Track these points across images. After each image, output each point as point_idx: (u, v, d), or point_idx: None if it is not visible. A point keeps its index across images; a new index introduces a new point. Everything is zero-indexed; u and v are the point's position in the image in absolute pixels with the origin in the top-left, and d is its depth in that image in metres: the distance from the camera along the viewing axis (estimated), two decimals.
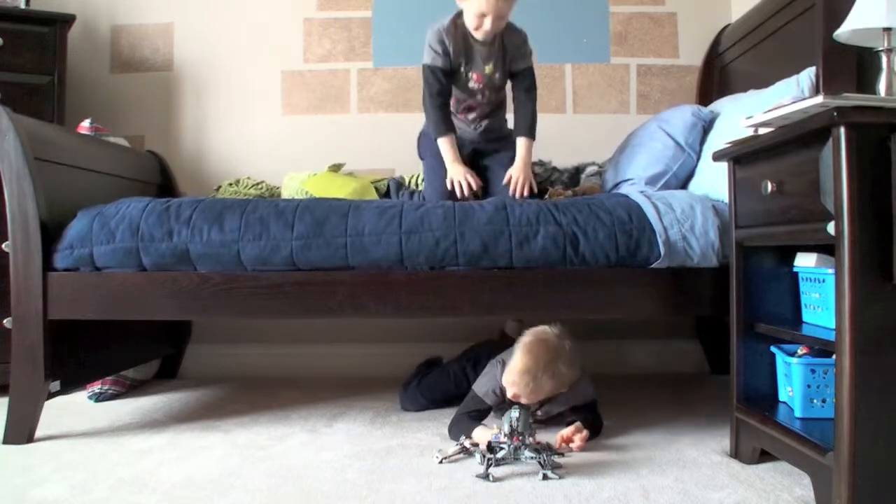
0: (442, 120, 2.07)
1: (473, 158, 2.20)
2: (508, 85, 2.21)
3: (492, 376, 1.78)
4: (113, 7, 2.83)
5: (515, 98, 2.17)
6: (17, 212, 1.73)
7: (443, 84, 2.06)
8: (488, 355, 1.98)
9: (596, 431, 1.76)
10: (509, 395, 1.70)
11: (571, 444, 1.65)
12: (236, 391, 2.37)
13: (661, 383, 2.44)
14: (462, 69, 2.09)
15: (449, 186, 2.06)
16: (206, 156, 2.82)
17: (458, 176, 2.04)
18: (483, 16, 1.96)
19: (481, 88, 2.12)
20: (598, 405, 1.81)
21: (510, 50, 2.10)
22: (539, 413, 1.81)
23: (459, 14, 2.06)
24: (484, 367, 1.85)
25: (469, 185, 2.03)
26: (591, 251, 1.72)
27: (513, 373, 1.67)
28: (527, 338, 1.72)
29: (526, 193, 2.03)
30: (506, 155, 2.15)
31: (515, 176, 2.04)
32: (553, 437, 1.67)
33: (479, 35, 2.02)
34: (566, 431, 1.67)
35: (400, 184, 2.40)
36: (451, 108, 2.15)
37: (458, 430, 1.72)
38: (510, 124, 2.23)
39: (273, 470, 1.53)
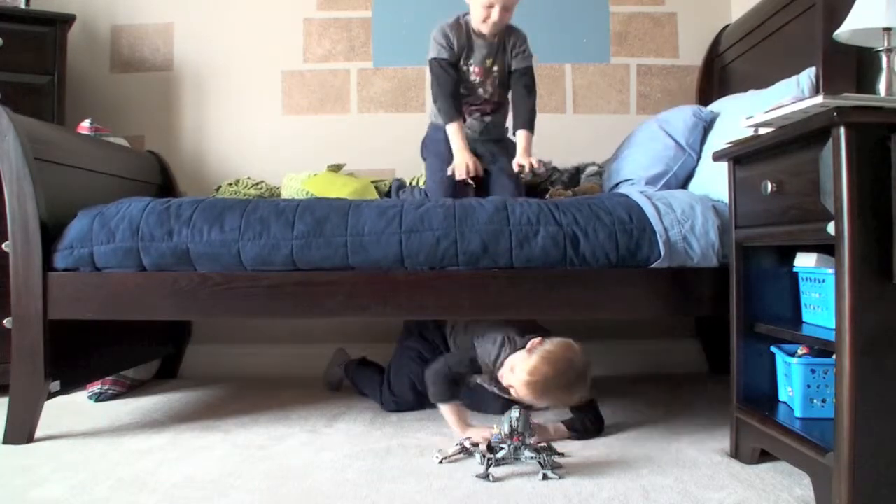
0: (453, 107, 2.12)
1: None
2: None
3: (500, 353, 1.74)
4: (113, 7, 2.83)
5: (514, 95, 2.20)
6: (17, 212, 1.73)
7: (450, 74, 2.12)
8: (432, 350, 2.01)
9: (597, 431, 1.77)
10: (505, 382, 1.70)
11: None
12: (236, 391, 2.37)
13: (661, 383, 2.44)
14: (463, 63, 2.15)
15: (449, 173, 2.08)
16: (206, 156, 2.82)
17: (469, 160, 2.06)
18: (491, 6, 2.02)
19: (482, 82, 2.18)
20: (597, 404, 1.80)
21: (510, 48, 2.16)
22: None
23: (466, 13, 2.13)
24: (432, 365, 1.79)
25: (474, 169, 2.06)
26: (591, 251, 1.72)
27: (525, 374, 1.63)
28: (551, 347, 1.66)
29: (538, 167, 2.05)
30: (505, 160, 2.17)
31: (525, 161, 2.06)
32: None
33: (485, 28, 2.08)
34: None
35: (402, 185, 2.41)
36: None
37: (439, 389, 1.74)
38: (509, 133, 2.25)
39: (273, 470, 1.53)
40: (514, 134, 2.19)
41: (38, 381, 1.72)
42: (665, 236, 1.73)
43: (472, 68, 2.16)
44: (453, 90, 2.13)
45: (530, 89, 2.18)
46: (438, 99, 2.14)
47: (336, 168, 2.48)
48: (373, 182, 2.41)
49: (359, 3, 2.83)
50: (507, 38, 2.16)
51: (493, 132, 2.26)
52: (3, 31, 2.33)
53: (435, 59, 2.12)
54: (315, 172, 2.40)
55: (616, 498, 1.35)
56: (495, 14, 2.03)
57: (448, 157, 2.13)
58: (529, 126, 2.15)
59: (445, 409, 1.74)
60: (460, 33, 2.12)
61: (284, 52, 2.83)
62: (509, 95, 2.24)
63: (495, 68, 2.17)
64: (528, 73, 2.18)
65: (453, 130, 2.10)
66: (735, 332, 1.57)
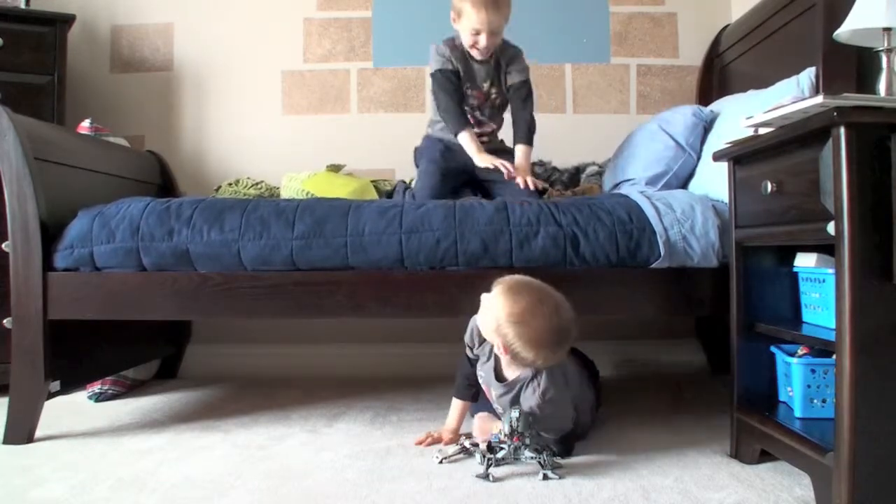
0: (461, 116, 2.12)
1: (474, 179, 2.19)
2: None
3: (470, 324, 1.68)
4: (113, 7, 2.83)
5: (513, 109, 2.20)
6: (17, 212, 1.73)
7: (455, 85, 2.12)
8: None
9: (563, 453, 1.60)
10: (491, 339, 1.54)
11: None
12: (236, 391, 2.37)
13: (661, 383, 2.44)
14: (463, 85, 2.15)
15: (509, 176, 2.05)
16: (206, 156, 2.82)
17: (488, 162, 2.05)
18: (477, 33, 2.05)
19: (480, 106, 2.19)
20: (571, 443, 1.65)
21: (505, 66, 2.17)
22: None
23: (458, 36, 2.13)
24: None
25: (504, 165, 2.03)
26: (591, 251, 1.72)
27: (499, 299, 1.48)
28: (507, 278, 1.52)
29: (532, 188, 2.02)
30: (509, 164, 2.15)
31: (521, 180, 2.04)
32: None
33: (476, 53, 2.11)
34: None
35: (407, 187, 2.41)
36: None
37: (456, 383, 1.74)
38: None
39: (273, 470, 1.53)
40: (514, 147, 2.17)
41: (38, 381, 1.72)
42: (665, 236, 1.73)
43: (471, 92, 2.16)
44: (460, 99, 2.13)
45: (527, 101, 2.17)
46: (446, 109, 2.11)
47: (336, 168, 2.48)
48: (372, 182, 2.41)
49: (359, 3, 2.83)
50: (501, 56, 2.17)
51: (493, 149, 2.23)
52: (3, 31, 2.33)
53: (439, 70, 2.12)
54: (315, 172, 2.40)
55: (616, 498, 1.35)
56: (483, 40, 2.05)
57: (442, 163, 2.12)
58: (528, 140, 2.14)
59: (453, 404, 1.75)
60: (457, 54, 2.13)
61: (284, 52, 2.83)
62: (506, 114, 2.24)
63: (494, 91, 2.18)
64: (524, 86, 2.18)
65: (466, 138, 2.09)
66: (735, 332, 1.57)
